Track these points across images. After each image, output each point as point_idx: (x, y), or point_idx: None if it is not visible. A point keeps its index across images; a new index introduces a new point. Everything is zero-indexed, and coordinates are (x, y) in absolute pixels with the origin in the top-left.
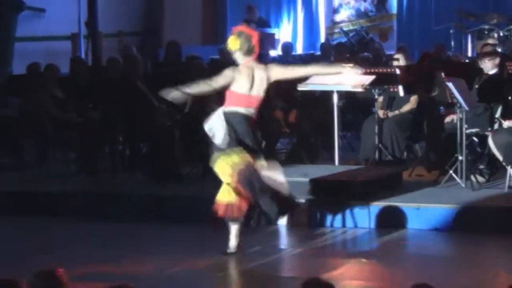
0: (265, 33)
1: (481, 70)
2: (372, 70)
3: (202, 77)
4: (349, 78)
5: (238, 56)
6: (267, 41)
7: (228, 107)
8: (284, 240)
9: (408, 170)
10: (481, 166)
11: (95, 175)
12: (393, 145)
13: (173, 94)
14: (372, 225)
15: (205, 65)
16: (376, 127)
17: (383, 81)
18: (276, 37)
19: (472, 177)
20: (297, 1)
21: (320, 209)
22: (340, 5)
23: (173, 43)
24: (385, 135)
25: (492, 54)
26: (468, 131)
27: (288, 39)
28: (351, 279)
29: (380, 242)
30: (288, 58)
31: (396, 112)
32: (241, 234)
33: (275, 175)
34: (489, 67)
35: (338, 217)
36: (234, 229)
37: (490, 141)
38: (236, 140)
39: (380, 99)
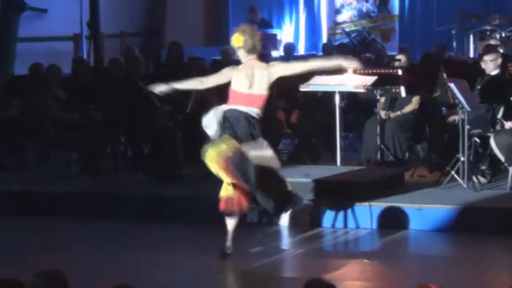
0: (267, 34)
1: (483, 71)
2: (374, 71)
3: None
4: (351, 79)
5: (241, 54)
6: (269, 42)
7: (229, 106)
8: (285, 241)
9: (410, 171)
10: (483, 167)
11: (97, 176)
12: (395, 145)
13: (160, 88)
14: (374, 225)
15: (207, 66)
16: (378, 128)
17: (385, 81)
18: (278, 38)
19: (474, 178)
20: (299, 2)
21: (322, 210)
22: (342, 6)
23: (175, 44)
24: (387, 136)
25: (494, 51)
26: (470, 132)
27: (290, 40)
28: (353, 280)
29: (382, 243)
30: (290, 59)
31: (398, 112)
32: (236, 231)
33: (262, 152)
34: (491, 68)
35: (340, 217)
36: (230, 225)
37: (492, 142)
38: (230, 134)
39: (382, 99)
